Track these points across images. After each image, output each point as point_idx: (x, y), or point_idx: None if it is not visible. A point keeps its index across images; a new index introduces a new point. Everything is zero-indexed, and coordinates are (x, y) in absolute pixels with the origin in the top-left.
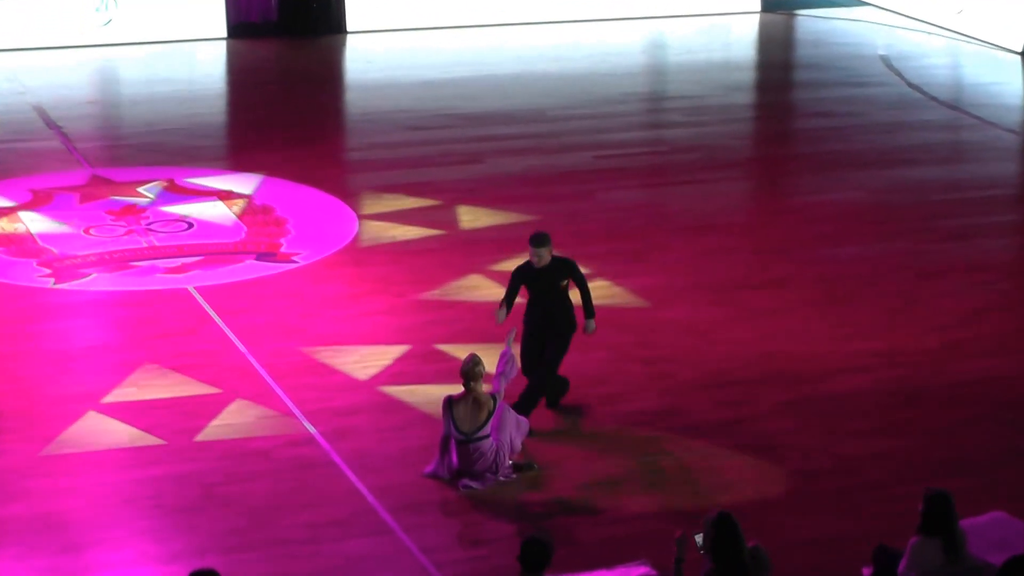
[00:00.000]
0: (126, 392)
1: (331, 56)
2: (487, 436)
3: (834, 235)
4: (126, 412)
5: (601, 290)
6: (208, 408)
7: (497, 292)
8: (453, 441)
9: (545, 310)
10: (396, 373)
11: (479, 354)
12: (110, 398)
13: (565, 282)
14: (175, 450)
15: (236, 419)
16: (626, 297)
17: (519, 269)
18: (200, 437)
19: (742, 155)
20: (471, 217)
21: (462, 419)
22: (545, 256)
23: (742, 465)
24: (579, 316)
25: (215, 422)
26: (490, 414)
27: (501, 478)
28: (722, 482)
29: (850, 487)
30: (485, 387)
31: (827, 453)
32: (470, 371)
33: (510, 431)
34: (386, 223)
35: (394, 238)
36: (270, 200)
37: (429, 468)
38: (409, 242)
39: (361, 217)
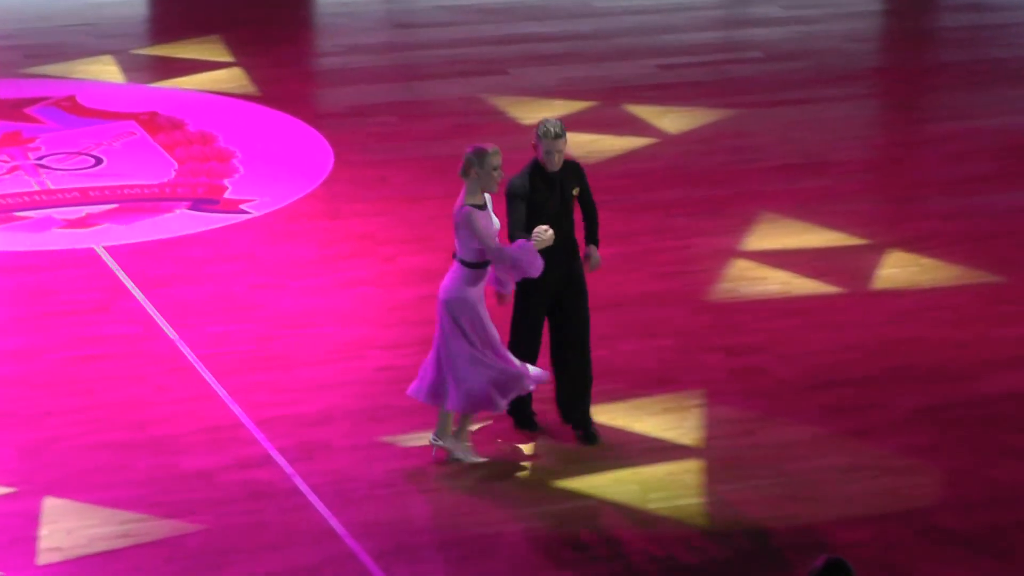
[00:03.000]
0: (9, 393)
1: None
2: None
3: (991, 177)
4: (9, 422)
5: (665, 254)
6: (124, 416)
7: None
8: None
9: (557, 244)
10: (383, 367)
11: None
12: None
13: (577, 191)
14: (79, 473)
15: (164, 431)
16: (700, 263)
17: (517, 185)
18: (116, 455)
19: (863, 65)
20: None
21: None
22: (561, 156)
23: (859, 493)
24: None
25: (136, 435)
26: None
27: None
28: (832, 517)
29: (1007, 524)
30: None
31: (976, 478)
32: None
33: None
34: (371, 158)
35: (385, 179)
36: (210, 125)
37: None
38: (403, 187)
39: (338, 150)
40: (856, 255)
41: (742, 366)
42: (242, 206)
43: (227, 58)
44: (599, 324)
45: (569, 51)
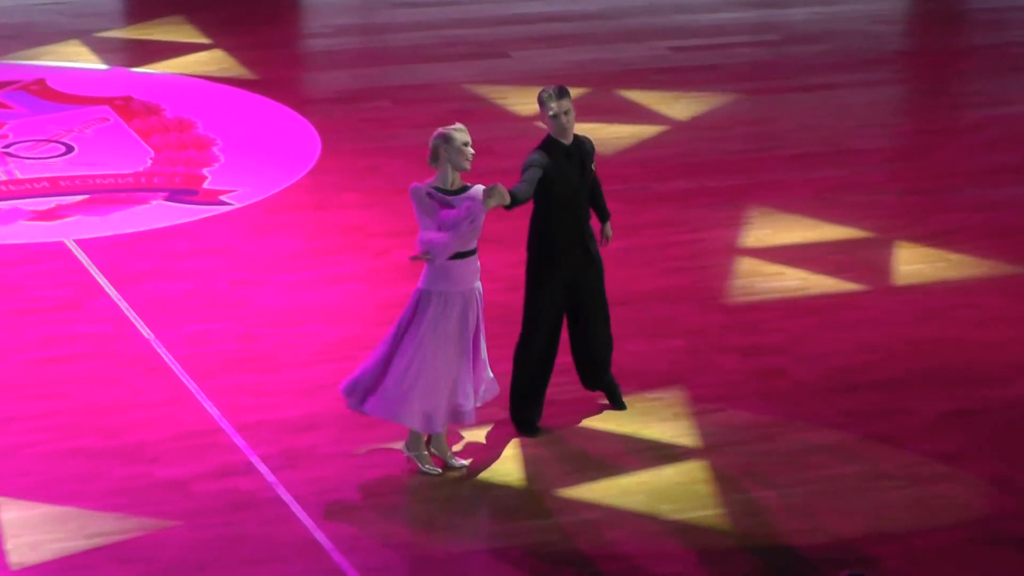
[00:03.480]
0: None
1: None
2: None
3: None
4: None
5: (677, 248)
6: (98, 420)
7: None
8: None
9: (575, 222)
10: None
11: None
12: None
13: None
14: (47, 482)
15: (138, 437)
16: (713, 259)
17: (533, 156)
18: (86, 462)
19: (889, 47)
20: (488, 138)
21: None
22: (570, 119)
23: (884, 505)
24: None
25: (108, 441)
26: None
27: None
28: (855, 532)
29: None
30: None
31: (1013, 489)
32: None
33: None
34: (361, 146)
35: (376, 168)
36: (189, 111)
37: None
38: (396, 176)
39: (326, 137)
40: (879, 249)
41: (758, 368)
42: (222, 197)
43: (207, 40)
44: None
45: (575, 32)
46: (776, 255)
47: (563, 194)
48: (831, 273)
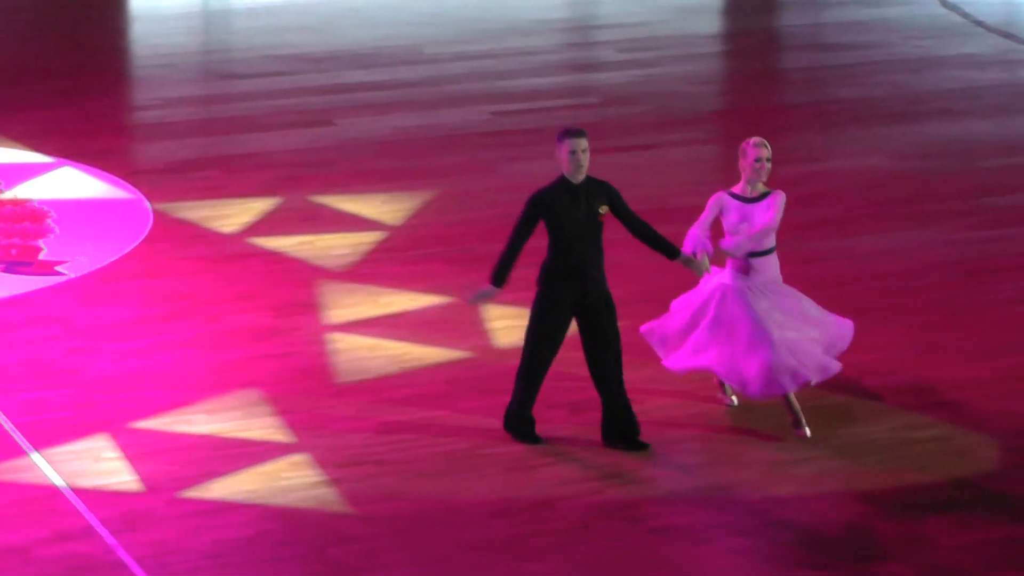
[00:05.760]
0: None
1: None
2: None
3: (843, 220)
4: None
5: (509, 312)
6: None
7: (356, 304)
8: None
9: (582, 259)
10: (210, 431)
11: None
12: None
13: (605, 210)
14: None
15: None
16: None
17: (538, 193)
18: None
19: (707, 108)
20: (315, 204)
21: None
22: (586, 157)
23: None
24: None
25: None
26: None
27: None
28: None
29: None
30: None
31: None
32: None
33: None
34: (195, 215)
35: (207, 237)
36: (23, 184)
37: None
38: (228, 243)
39: (156, 208)
40: None
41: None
42: (57, 267)
43: (40, 111)
44: (435, 381)
45: (399, 99)
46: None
47: (565, 231)
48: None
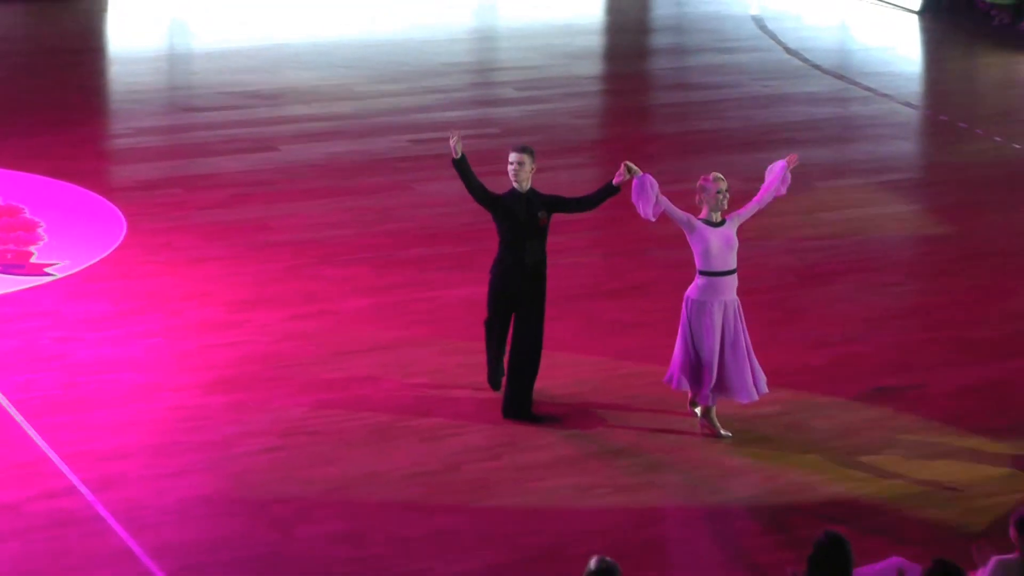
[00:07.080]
0: None
1: (90, 22)
2: None
3: None
4: None
5: (417, 305)
6: None
7: (297, 300)
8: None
9: (517, 263)
10: (173, 407)
11: None
12: None
13: (547, 218)
14: None
15: None
16: (447, 312)
17: (498, 196)
18: None
19: (589, 137)
20: (262, 216)
21: None
22: (526, 168)
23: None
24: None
25: None
26: None
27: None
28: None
29: None
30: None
31: None
32: None
33: None
34: (158, 226)
35: (170, 244)
36: (17, 199)
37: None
38: (189, 249)
39: (130, 219)
40: (587, 300)
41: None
42: (47, 269)
43: (32, 138)
44: (362, 365)
45: (333, 129)
46: None
47: (512, 226)
48: (549, 321)
